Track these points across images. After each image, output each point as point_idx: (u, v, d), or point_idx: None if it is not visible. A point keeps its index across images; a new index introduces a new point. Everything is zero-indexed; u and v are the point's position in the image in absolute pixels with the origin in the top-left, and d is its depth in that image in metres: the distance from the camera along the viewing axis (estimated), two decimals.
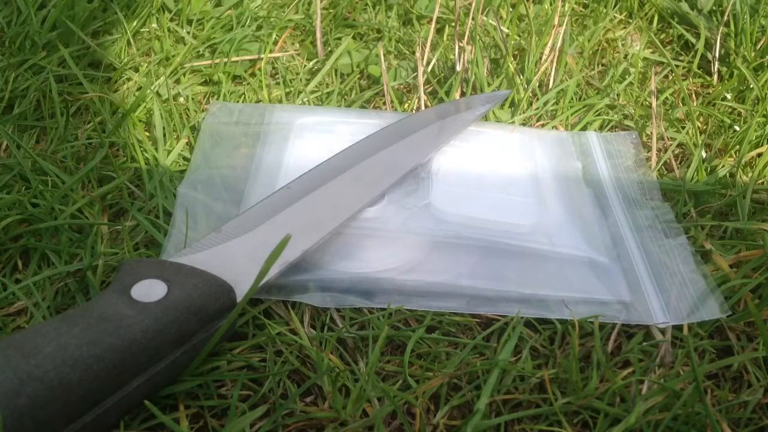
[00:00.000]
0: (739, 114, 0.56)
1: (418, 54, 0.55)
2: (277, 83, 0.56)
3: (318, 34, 0.59)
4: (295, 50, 0.60)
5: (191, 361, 0.33)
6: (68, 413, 0.28)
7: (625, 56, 0.63)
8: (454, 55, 0.55)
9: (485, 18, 0.64)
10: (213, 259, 0.36)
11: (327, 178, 0.43)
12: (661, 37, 0.67)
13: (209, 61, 0.56)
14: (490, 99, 0.53)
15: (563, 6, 0.65)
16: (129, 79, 0.53)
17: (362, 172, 0.44)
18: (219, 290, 0.34)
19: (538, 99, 0.55)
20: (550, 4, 0.68)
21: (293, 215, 0.40)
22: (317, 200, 0.42)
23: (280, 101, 0.55)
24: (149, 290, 0.32)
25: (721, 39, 0.62)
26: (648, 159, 0.51)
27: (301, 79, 0.57)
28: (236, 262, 0.36)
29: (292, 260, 0.38)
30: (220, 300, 0.34)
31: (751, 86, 0.57)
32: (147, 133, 0.48)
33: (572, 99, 0.56)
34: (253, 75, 0.57)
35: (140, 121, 0.49)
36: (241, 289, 0.35)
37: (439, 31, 0.63)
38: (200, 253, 0.37)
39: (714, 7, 0.68)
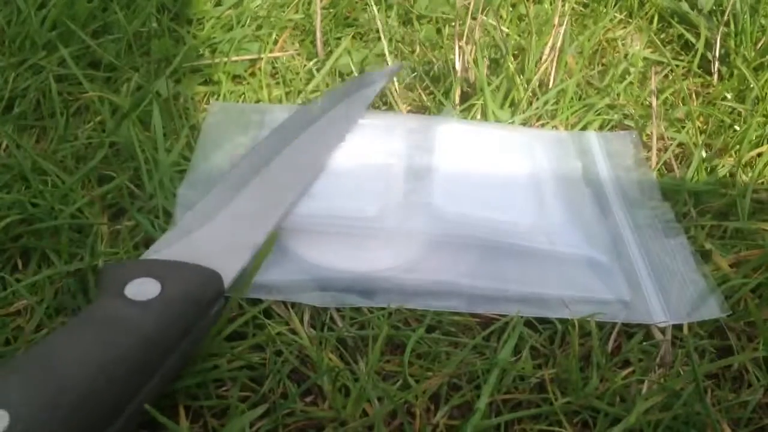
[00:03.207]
0: (739, 114, 0.56)
1: (417, 54, 0.55)
2: (277, 83, 0.56)
3: (318, 34, 0.59)
4: (295, 50, 0.60)
5: (195, 351, 0.33)
6: (105, 418, 0.28)
7: (625, 56, 0.63)
8: (454, 55, 0.55)
9: (485, 18, 0.63)
10: (191, 249, 0.37)
11: (270, 158, 0.45)
12: (661, 36, 0.67)
13: (209, 61, 0.56)
14: (386, 73, 0.54)
15: (563, 6, 0.65)
16: (129, 79, 0.53)
17: (297, 151, 0.46)
18: (209, 279, 0.35)
19: (538, 99, 0.55)
20: (550, 4, 0.68)
21: (253, 193, 0.42)
22: (276, 172, 0.43)
23: (280, 101, 0.55)
24: (143, 289, 0.33)
25: (721, 39, 0.62)
26: (648, 159, 0.51)
27: (301, 79, 0.57)
28: (214, 247, 0.37)
29: (261, 241, 0.38)
30: (212, 288, 0.35)
31: (751, 86, 0.57)
32: (147, 133, 0.48)
33: (572, 99, 0.56)
34: (253, 75, 0.57)
35: (140, 121, 0.49)
36: (226, 273, 0.36)
37: (439, 31, 0.63)
38: (175, 245, 0.38)
39: (714, 7, 0.68)
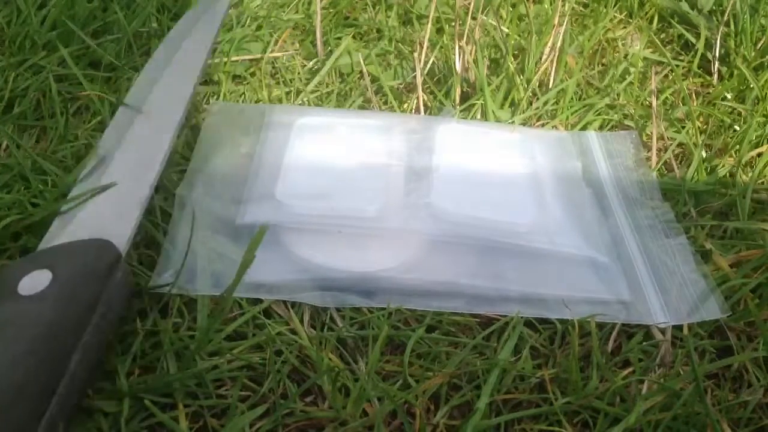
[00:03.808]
0: (739, 114, 0.56)
1: (416, 54, 0.55)
2: (277, 83, 0.56)
3: (318, 34, 0.59)
4: (295, 50, 0.60)
5: (114, 320, 0.34)
6: (36, 408, 0.28)
7: (625, 56, 0.63)
8: (454, 54, 0.55)
9: (485, 18, 0.63)
10: (81, 227, 0.37)
11: (132, 115, 0.45)
12: (661, 36, 0.67)
13: (209, 61, 0.56)
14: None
15: (563, 6, 0.65)
16: (129, 79, 0.53)
17: (159, 101, 0.46)
18: (99, 250, 0.35)
19: (538, 99, 0.55)
20: (550, 4, 0.68)
21: (125, 152, 0.42)
22: (136, 137, 0.43)
23: (280, 101, 0.55)
24: (35, 282, 0.33)
25: (721, 39, 0.62)
26: (648, 159, 0.51)
27: (301, 79, 0.57)
28: (101, 217, 0.38)
29: (147, 194, 0.39)
30: (105, 257, 0.35)
31: (751, 86, 0.57)
32: None
33: (572, 99, 0.56)
34: (253, 75, 0.57)
35: None
36: (118, 238, 0.36)
37: (439, 30, 0.63)
38: (65, 228, 0.37)
39: (714, 7, 0.68)
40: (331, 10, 0.64)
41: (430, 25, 0.57)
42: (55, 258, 0.34)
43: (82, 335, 0.31)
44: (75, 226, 0.37)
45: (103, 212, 0.38)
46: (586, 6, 0.70)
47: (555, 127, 0.54)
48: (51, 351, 0.30)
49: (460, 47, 0.55)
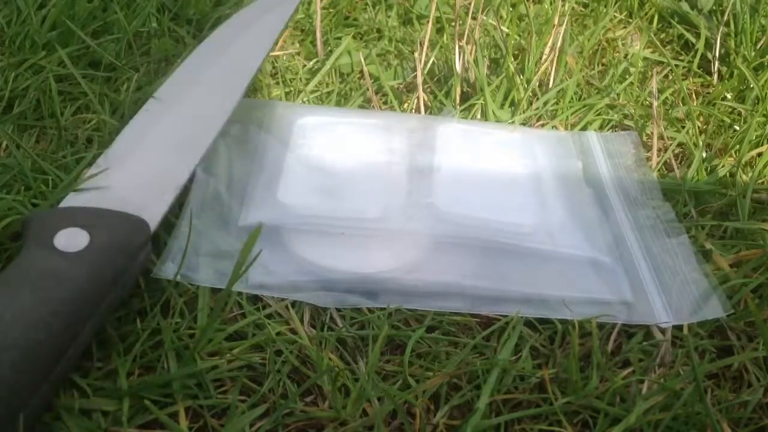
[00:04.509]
0: (739, 114, 0.56)
1: (416, 54, 0.55)
2: (277, 83, 0.56)
3: (318, 34, 0.59)
4: (295, 50, 0.60)
5: (123, 297, 0.34)
6: (43, 370, 0.29)
7: (625, 56, 0.63)
8: (455, 54, 0.55)
9: (485, 18, 0.63)
10: (114, 194, 0.37)
11: (181, 91, 0.45)
12: (661, 36, 0.67)
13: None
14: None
15: (563, 6, 0.65)
16: (129, 79, 0.53)
17: (213, 81, 0.46)
18: (135, 227, 0.35)
19: (538, 99, 0.55)
20: (550, 4, 0.68)
21: (166, 131, 0.42)
22: (183, 113, 0.43)
23: (280, 101, 0.54)
24: (72, 240, 0.33)
25: (721, 39, 0.62)
26: (648, 159, 0.51)
27: (301, 79, 0.57)
28: (134, 192, 0.38)
29: (184, 181, 0.39)
30: (139, 236, 0.35)
31: (751, 86, 0.57)
32: None
33: (572, 99, 0.56)
34: None
35: None
36: (151, 218, 0.36)
37: (439, 30, 0.63)
38: (97, 190, 0.38)
39: (714, 7, 0.68)
40: (331, 10, 0.64)
41: (430, 25, 0.57)
42: (93, 221, 0.34)
43: (99, 306, 0.32)
44: (109, 191, 0.38)
45: (140, 186, 0.38)
46: (586, 6, 0.70)
47: (555, 127, 0.54)
48: (75, 314, 0.31)
49: (460, 47, 0.55)
